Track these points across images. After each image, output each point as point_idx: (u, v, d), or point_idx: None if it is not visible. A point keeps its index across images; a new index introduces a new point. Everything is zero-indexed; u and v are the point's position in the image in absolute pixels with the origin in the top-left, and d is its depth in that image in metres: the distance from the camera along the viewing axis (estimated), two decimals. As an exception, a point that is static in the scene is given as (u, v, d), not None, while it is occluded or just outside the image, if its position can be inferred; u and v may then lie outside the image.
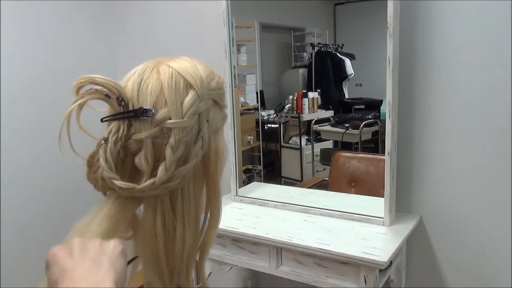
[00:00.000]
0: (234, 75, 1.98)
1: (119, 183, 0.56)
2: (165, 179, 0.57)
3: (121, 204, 0.59)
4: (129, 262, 0.57)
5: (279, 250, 1.59)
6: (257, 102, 2.42)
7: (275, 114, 2.55)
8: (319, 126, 2.49)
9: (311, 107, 2.46)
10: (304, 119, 2.48)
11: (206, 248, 0.67)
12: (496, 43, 1.50)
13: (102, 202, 0.60)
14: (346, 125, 2.31)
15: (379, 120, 2.23)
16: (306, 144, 2.51)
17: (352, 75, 2.44)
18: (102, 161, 0.57)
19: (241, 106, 2.30)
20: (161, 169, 0.57)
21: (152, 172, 0.58)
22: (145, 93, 0.58)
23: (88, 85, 0.58)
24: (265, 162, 2.52)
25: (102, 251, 0.51)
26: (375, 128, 2.26)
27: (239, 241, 1.66)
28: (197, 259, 0.67)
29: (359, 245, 1.46)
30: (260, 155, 2.48)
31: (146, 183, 0.57)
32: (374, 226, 1.63)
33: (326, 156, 2.42)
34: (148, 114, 0.57)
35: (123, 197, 0.59)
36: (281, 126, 2.57)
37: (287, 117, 2.54)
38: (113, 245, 0.53)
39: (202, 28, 2.15)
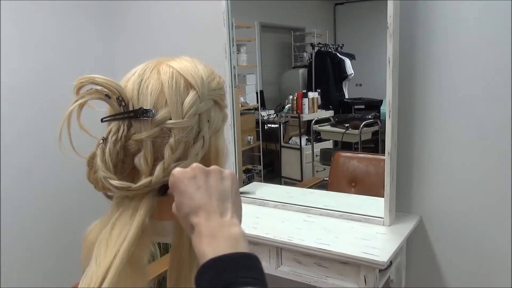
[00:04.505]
0: (234, 75, 1.98)
1: (115, 182, 0.56)
2: (162, 177, 0.57)
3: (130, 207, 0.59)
4: None
5: (279, 250, 1.59)
6: (257, 102, 2.43)
7: (275, 114, 2.55)
8: (319, 126, 2.49)
9: (311, 107, 2.46)
10: (304, 119, 2.48)
11: None
12: (496, 43, 1.50)
13: (112, 207, 0.60)
14: (346, 125, 2.31)
15: (379, 120, 2.23)
16: (306, 144, 2.51)
17: (352, 75, 2.44)
18: (99, 160, 0.57)
19: (241, 106, 2.30)
20: (158, 169, 0.57)
21: (150, 171, 0.58)
22: (145, 93, 0.58)
23: (88, 85, 0.58)
24: (265, 162, 2.52)
25: (223, 186, 0.56)
26: (375, 128, 2.26)
27: (239, 241, 1.66)
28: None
29: (359, 245, 1.46)
30: (260, 155, 2.48)
31: (142, 181, 0.57)
32: (374, 226, 1.63)
33: (326, 156, 2.42)
34: (148, 114, 0.57)
35: (130, 198, 0.58)
36: (281, 126, 2.57)
37: (287, 117, 2.54)
38: (230, 177, 0.57)
39: (202, 28, 2.15)
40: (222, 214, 0.53)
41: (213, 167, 0.56)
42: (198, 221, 0.52)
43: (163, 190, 0.59)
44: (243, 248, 0.51)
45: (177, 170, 0.55)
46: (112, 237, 0.55)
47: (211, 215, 0.52)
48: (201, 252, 0.50)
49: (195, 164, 0.56)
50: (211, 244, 0.50)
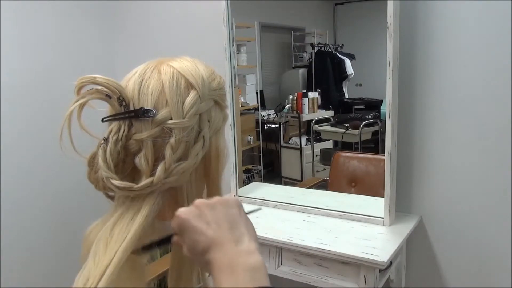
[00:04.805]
0: (234, 75, 1.98)
1: (116, 182, 0.56)
2: (163, 178, 0.57)
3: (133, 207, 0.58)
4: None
5: (279, 250, 1.59)
6: (257, 102, 2.43)
7: (275, 114, 2.55)
8: (319, 126, 2.49)
9: (311, 107, 2.46)
10: (304, 119, 2.48)
11: None
12: (496, 43, 1.50)
13: (114, 207, 0.59)
14: (346, 125, 2.31)
15: (379, 120, 2.23)
16: (306, 144, 2.51)
17: (352, 75, 2.44)
18: (100, 160, 0.57)
19: (241, 106, 2.30)
20: (159, 169, 0.57)
21: (151, 171, 0.58)
22: (146, 93, 0.58)
23: (89, 85, 0.58)
24: (265, 162, 2.52)
25: (231, 214, 0.55)
26: (375, 128, 2.26)
27: (239, 241, 1.66)
28: None
29: (359, 245, 1.46)
30: (260, 155, 2.48)
31: (144, 182, 0.57)
32: (374, 226, 1.63)
33: (326, 156, 2.42)
34: (149, 114, 0.57)
35: (131, 199, 0.58)
36: (281, 126, 2.57)
37: (287, 117, 2.54)
38: (236, 204, 0.56)
39: (202, 28, 2.15)
40: (238, 242, 0.52)
41: (216, 198, 0.56)
42: (214, 256, 0.51)
43: (165, 242, 0.58)
44: (262, 279, 0.50)
45: (180, 211, 0.54)
46: (112, 237, 0.55)
47: (226, 246, 0.51)
48: None
49: (198, 201, 0.55)
50: (230, 279, 0.49)
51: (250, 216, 0.58)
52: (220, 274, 0.49)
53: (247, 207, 0.58)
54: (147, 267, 0.63)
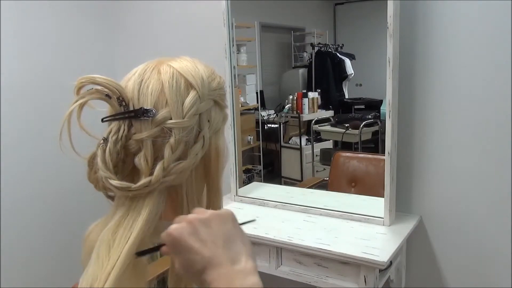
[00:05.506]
0: (234, 75, 1.98)
1: (115, 182, 0.56)
2: (162, 177, 0.57)
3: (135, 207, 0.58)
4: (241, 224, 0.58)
5: (279, 250, 1.59)
6: (257, 102, 2.42)
7: (275, 114, 2.55)
8: (319, 126, 2.49)
9: (311, 107, 2.46)
10: (304, 119, 2.48)
11: None
12: (496, 43, 1.50)
13: (114, 208, 0.59)
14: (346, 125, 2.31)
15: (379, 120, 2.23)
16: (306, 144, 2.51)
17: (352, 75, 2.44)
18: (99, 160, 0.57)
19: (241, 106, 2.30)
20: (158, 168, 0.57)
21: (151, 171, 0.58)
22: (146, 93, 0.58)
23: (88, 85, 0.58)
24: (265, 162, 2.52)
25: (226, 230, 0.53)
26: (375, 128, 2.26)
27: (239, 241, 1.65)
28: None
29: (359, 245, 1.46)
30: (260, 155, 2.48)
31: (142, 181, 0.56)
32: (374, 226, 1.63)
33: (326, 156, 2.42)
34: (148, 114, 0.57)
35: (131, 199, 0.58)
36: (281, 126, 2.57)
37: (287, 117, 2.54)
38: (230, 218, 0.55)
39: (202, 28, 2.15)
40: (234, 262, 0.51)
41: (209, 213, 0.54)
42: (210, 277, 0.50)
43: (155, 250, 0.57)
44: None
45: (173, 228, 0.52)
46: (115, 239, 0.55)
47: (223, 267, 0.50)
48: None
49: (190, 217, 0.53)
50: None
51: (244, 227, 0.57)
52: None
53: (240, 218, 0.57)
54: (148, 267, 0.63)
